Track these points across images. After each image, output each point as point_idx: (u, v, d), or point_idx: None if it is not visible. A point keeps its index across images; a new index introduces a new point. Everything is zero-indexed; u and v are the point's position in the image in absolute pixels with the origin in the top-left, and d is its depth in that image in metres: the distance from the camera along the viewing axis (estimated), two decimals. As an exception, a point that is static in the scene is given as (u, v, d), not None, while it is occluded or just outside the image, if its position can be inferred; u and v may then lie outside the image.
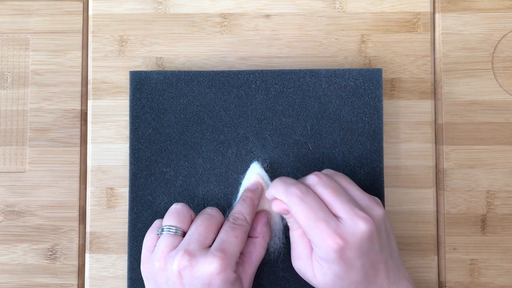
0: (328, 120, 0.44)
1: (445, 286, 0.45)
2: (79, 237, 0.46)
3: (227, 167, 0.44)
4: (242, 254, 0.39)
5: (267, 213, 0.41)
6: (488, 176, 0.45)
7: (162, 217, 0.42)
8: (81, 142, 0.46)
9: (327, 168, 0.43)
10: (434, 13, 0.47)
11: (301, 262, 0.38)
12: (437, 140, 0.46)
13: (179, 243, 0.38)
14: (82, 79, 0.47)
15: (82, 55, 0.47)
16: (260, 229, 0.40)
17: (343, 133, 0.44)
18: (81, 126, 0.47)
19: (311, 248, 0.38)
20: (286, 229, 0.42)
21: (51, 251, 0.46)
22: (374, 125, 0.44)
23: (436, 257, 0.45)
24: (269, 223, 0.41)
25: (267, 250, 0.41)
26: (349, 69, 0.44)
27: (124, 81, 0.47)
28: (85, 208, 0.46)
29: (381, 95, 0.44)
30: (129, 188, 0.44)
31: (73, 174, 0.46)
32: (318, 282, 0.37)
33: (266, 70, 0.44)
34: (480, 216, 0.45)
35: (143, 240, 0.43)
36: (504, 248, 0.45)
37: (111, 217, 0.46)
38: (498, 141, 0.46)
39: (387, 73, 0.46)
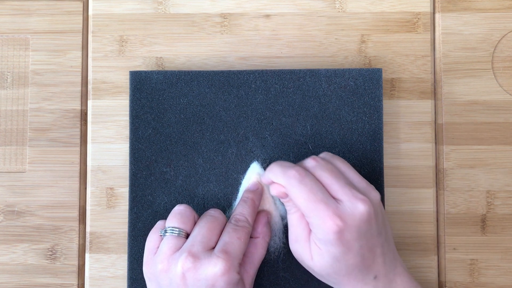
0: (328, 120, 0.44)
1: (445, 286, 0.45)
2: (79, 237, 0.46)
3: (227, 167, 0.44)
4: (243, 255, 0.39)
5: (267, 213, 0.42)
6: (488, 176, 0.45)
7: (162, 217, 0.43)
8: (81, 142, 0.46)
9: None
10: (434, 13, 0.47)
11: (299, 245, 0.38)
12: (437, 140, 0.46)
13: (183, 245, 0.38)
14: (82, 79, 0.47)
15: (82, 55, 0.47)
16: (261, 230, 0.40)
17: (343, 133, 0.44)
18: (81, 126, 0.47)
19: (309, 231, 0.38)
20: (286, 229, 0.42)
21: (51, 251, 0.46)
22: (374, 125, 0.44)
23: (436, 257, 0.45)
24: (269, 223, 0.41)
25: (267, 250, 0.41)
26: (349, 69, 0.44)
27: (124, 81, 0.47)
28: (85, 208, 0.46)
29: (381, 95, 0.44)
30: (129, 188, 0.44)
31: (73, 174, 0.46)
32: (315, 264, 0.37)
33: (266, 70, 0.44)
34: (480, 216, 0.45)
35: (143, 240, 0.43)
36: (504, 248, 0.45)
37: (111, 217, 0.46)
38: (498, 141, 0.46)
39: (387, 73, 0.46)
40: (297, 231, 0.38)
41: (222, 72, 0.44)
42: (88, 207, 0.46)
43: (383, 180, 0.43)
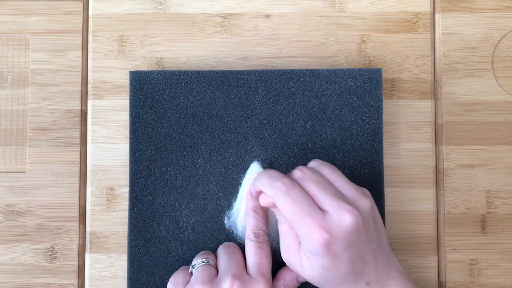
0: (328, 120, 0.44)
1: (445, 286, 0.45)
2: (79, 237, 0.46)
3: (227, 167, 0.44)
4: None
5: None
6: (488, 176, 0.45)
7: (162, 217, 0.43)
8: (81, 142, 0.46)
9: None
10: (434, 13, 0.47)
11: (290, 255, 0.38)
12: (437, 140, 0.46)
13: (215, 273, 0.39)
14: (82, 79, 0.47)
15: (82, 55, 0.47)
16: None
17: (343, 133, 0.44)
18: (81, 126, 0.47)
19: (299, 241, 0.38)
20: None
21: (51, 251, 0.46)
22: (374, 125, 0.44)
23: (436, 257, 0.45)
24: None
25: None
26: (349, 69, 0.44)
27: (124, 81, 0.47)
28: (85, 208, 0.46)
29: (381, 95, 0.44)
30: (129, 188, 0.44)
31: (73, 174, 0.46)
32: (306, 274, 0.37)
33: (266, 70, 0.44)
34: (480, 216, 0.45)
35: (143, 240, 0.43)
36: (504, 248, 0.45)
37: (111, 217, 0.46)
38: (498, 141, 0.46)
39: (387, 73, 0.46)
40: (287, 241, 0.38)
41: (222, 72, 0.44)
42: (88, 207, 0.46)
43: (383, 180, 0.43)
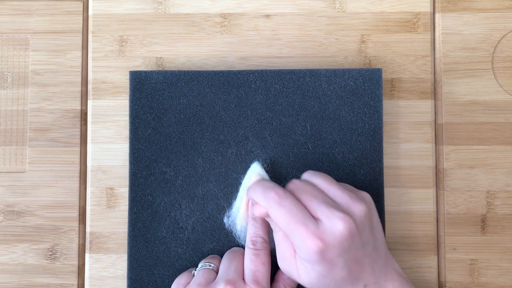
0: (328, 120, 0.44)
1: (445, 286, 0.45)
2: (79, 237, 0.46)
3: (227, 167, 0.44)
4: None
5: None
6: (488, 176, 0.45)
7: (162, 217, 0.43)
8: (81, 142, 0.46)
9: (326, 167, 0.43)
10: (434, 13, 0.47)
11: (286, 263, 0.38)
12: (437, 140, 0.46)
13: (214, 277, 0.39)
14: (82, 79, 0.47)
15: (82, 55, 0.47)
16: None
17: (343, 133, 0.44)
18: (81, 126, 0.47)
19: (294, 250, 0.38)
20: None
21: (51, 251, 0.46)
22: (374, 125, 0.44)
23: (436, 257, 0.45)
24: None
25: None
26: (349, 69, 0.44)
27: (124, 81, 0.47)
28: (85, 208, 0.46)
29: (381, 95, 0.44)
30: (129, 188, 0.44)
31: (73, 174, 0.46)
32: (303, 281, 0.38)
33: (266, 70, 0.44)
34: (480, 216, 0.45)
35: (143, 240, 0.43)
36: (504, 248, 0.45)
37: (111, 217, 0.46)
38: (498, 141, 0.46)
39: (387, 73, 0.46)
40: (283, 249, 0.38)
41: (222, 72, 0.44)
42: (88, 207, 0.46)
43: (383, 180, 0.43)
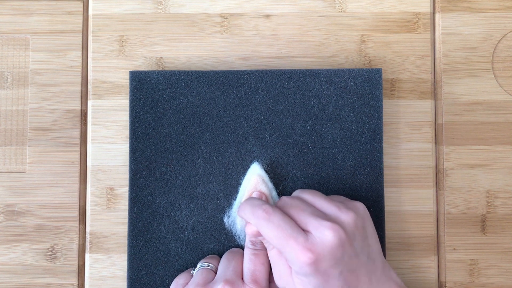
0: (328, 120, 0.44)
1: (445, 286, 0.45)
2: (79, 237, 0.46)
3: (227, 167, 0.44)
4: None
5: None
6: (488, 176, 0.45)
7: (162, 217, 0.43)
8: (81, 142, 0.46)
9: (326, 167, 0.43)
10: (434, 13, 0.47)
11: (283, 281, 0.38)
12: (437, 140, 0.46)
13: (213, 278, 0.40)
14: (82, 79, 0.47)
15: (82, 55, 0.47)
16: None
17: (343, 133, 0.44)
18: (81, 126, 0.47)
19: (289, 266, 0.38)
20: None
21: (51, 251, 0.46)
22: (374, 125, 0.44)
23: (436, 257, 0.45)
24: None
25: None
26: (349, 69, 0.44)
27: (124, 81, 0.47)
28: (85, 208, 0.46)
29: (381, 95, 0.44)
30: (129, 188, 0.44)
31: (73, 174, 0.46)
32: None
33: (266, 70, 0.44)
34: (480, 216, 0.45)
35: (143, 240, 0.43)
36: (504, 248, 0.45)
37: (111, 217, 0.46)
38: (498, 141, 0.46)
39: (387, 73, 0.46)
40: (279, 267, 0.38)
41: (222, 72, 0.44)
42: (88, 207, 0.46)
43: (383, 180, 0.43)
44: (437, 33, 0.47)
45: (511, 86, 0.46)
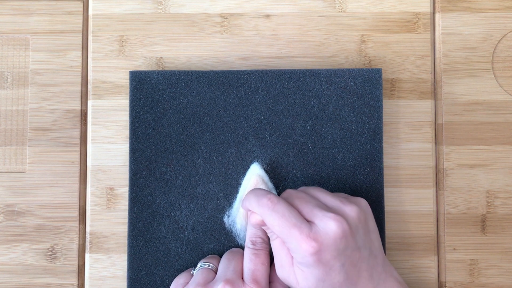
0: (328, 120, 0.44)
1: (445, 286, 0.45)
2: (79, 237, 0.46)
3: (227, 167, 0.44)
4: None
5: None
6: (488, 176, 0.45)
7: (162, 217, 0.43)
8: (81, 142, 0.46)
9: (326, 167, 0.43)
10: (434, 13, 0.47)
11: (284, 271, 0.38)
12: (437, 140, 0.46)
13: (213, 277, 0.40)
14: (82, 79, 0.47)
15: (82, 55, 0.47)
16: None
17: (343, 133, 0.44)
18: (81, 126, 0.47)
19: (292, 256, 0.38)
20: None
21: (51, 251, 0.46)
22: (374, 125, 0.44)
23: (436, 257, 0.45)
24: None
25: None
26: (349, 69, 0.44)
27: (124, 81, 0.47)
28: (85, 208, 0.46)
29: (381, 95, 0.44)
30: (129, 188, 0.44)
31: (73, 174, 0.46)
32: (302, 287, 0.38)
33: (266, 70, 0.44)
34: (480, 216, 0.45)
35: (143, 240, 0.43)
36: (504, 248, 0.45)
37: (111, 217, 0.46)
38: (498, 141, 0.46)
39: (387, 73, 0.46)
40: (281, 257, 0.38)
41: (222, 72, 0.44)
42: (88, 207, 0.46)
43: (383, 180, 0.43)
44: (437, 33, 0.47)
45: (511, 86, 0.46)
